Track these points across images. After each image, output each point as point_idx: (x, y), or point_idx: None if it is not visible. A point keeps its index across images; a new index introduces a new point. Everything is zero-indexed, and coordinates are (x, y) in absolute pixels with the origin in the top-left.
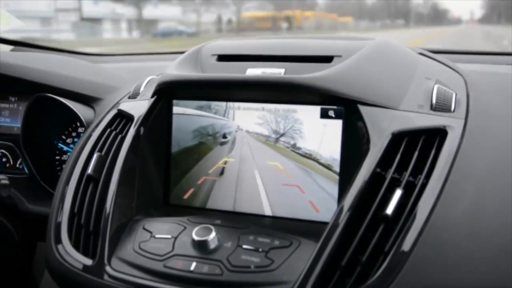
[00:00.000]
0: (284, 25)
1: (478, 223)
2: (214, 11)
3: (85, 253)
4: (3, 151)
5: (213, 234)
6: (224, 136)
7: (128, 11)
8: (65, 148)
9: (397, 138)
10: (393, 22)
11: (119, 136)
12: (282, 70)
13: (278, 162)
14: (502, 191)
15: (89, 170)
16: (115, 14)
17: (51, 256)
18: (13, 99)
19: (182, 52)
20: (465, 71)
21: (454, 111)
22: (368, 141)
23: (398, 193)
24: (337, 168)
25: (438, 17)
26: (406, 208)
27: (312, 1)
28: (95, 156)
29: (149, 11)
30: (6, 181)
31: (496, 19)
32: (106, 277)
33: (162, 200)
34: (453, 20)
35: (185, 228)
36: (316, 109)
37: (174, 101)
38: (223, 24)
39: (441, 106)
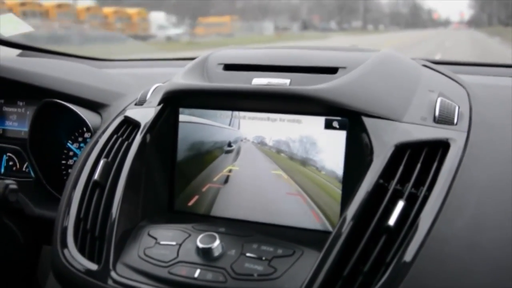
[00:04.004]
0: None
1: (479, 235)
2: None
3: (91, 258)
4: (10, 154)
5: (217, 242)
6: (229, 145)
7: None
8: (74, 150)
9: (400, 150)
10: (341, 25)
11: (126, 143)
12: (287, 81)
13: (281, 172)
14: (503, 204)
15: (96, 176)
16: None
17: (56, 260)
18: (20, 103)
19: (187, 59)
20: (468, 83)
21: (456, 124)
22: (371, 152)
23: (400, 204)
24: (340, 178)
25: (416, 18)
26: (408, 219)
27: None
28: (101, 162)
29: None
30: (15, 186)
31: (487, 21)
32: (110, 282)
33: (167, 206)
34: (436, 22)
35: (189, 235)
36: (321, 120)
37: (180, 109)
38: None
39: (444, 119)
